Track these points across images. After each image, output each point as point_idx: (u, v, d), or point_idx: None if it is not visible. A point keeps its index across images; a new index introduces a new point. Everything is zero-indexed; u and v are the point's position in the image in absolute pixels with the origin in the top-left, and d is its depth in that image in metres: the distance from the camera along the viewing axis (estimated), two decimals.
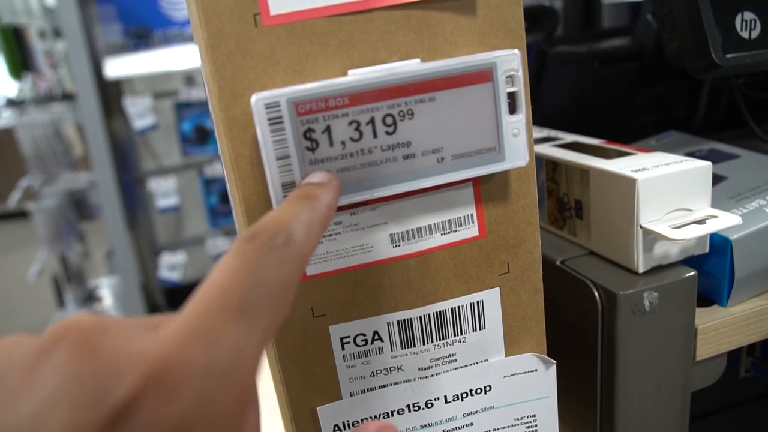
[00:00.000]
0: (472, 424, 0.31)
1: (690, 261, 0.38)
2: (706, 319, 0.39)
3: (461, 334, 0.29)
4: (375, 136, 0.24)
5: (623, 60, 0.61)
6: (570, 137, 0.48)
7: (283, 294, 0.18)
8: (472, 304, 0.29)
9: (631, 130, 0.60)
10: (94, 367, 0.15)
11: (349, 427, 0.29)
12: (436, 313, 0.28)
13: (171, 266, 2.21)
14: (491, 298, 0.29)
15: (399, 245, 0.27)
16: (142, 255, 2.35)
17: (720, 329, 0.39)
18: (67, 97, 2.33)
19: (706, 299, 0.41)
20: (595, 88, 0.62)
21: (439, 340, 0.29)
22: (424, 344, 0.29)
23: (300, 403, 0.29)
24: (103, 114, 2.01)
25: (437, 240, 0.27)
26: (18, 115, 2.10)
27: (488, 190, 0.27)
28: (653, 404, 0.38)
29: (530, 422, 0.32)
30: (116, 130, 2.19)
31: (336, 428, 0.29)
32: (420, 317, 0.28)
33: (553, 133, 0.51)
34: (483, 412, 0.31)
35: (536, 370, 0.31)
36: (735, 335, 0.39)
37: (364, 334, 0.28)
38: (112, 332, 0.16)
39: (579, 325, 0.38)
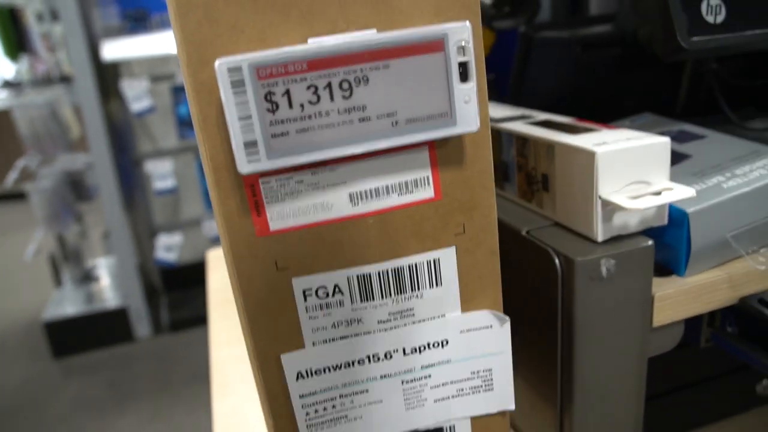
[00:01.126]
0: (429, 376, 0.33)
1: (649, 233, 0.40)
2: (664, 287, 0.41)
3: (418, 290, 0.31)
4: (332, 99, 0.26)
5: (605, 45, 0.63)
6: (543, 116, 0.49)
7: None
8: (428, 262, 0.30)
9: (613, 116, 0.62)
10: None
11: (311, 375, 0.31)
12: (394, 269, 0.30)
13: (168, 247, 2.23)
14: (447, 257, 0.31)
15: (358, 204, 0.29)
16: (139, 236, 2.37)
17: (676, 297, 0.41)
18: (65, 79, 2.34)
19: (664, 270, 0.43)
20: (578, 73, 0.63)
21: (397, 295, 0.31)
22: (382, 298, 0.30)
23: (266, 351, 0.30)
24: (100, 96, 2.02)
25: (394, 200, 0.29)
26: (15, 96, 2.11)
27: (443, 155, 0.29)
28: (611, 369, 0.40)
29: (486, 376, 0.34)
30: (113, 113, 2.20)
31: (299, 375, 0.31)
32: (378, 273, 0.30)
33: (528, 112, 0.52)
34: (440, 365, 0.33)
35: (491, 326, 0.32)
36: (691, 303, 0.41)
37: (325, 287, 0.30)
38: None
39: (541, 292, 0.40)
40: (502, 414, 0.35)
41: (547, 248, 0.39)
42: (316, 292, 0.30)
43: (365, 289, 0.30)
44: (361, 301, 0.30)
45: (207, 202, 2.45)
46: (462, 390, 0.34)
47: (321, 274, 0.30)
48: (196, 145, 2.33)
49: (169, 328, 2.43)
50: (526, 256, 0.41)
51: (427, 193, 0.29)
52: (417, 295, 0.31)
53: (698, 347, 0.61)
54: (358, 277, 0.30)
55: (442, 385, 0.33)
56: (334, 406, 0.32)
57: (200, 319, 2.35)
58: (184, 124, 2.29)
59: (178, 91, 2.23)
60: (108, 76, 2.16)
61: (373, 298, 0.30)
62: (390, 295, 0.31)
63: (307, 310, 0.30)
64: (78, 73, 1.96)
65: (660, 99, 0.64)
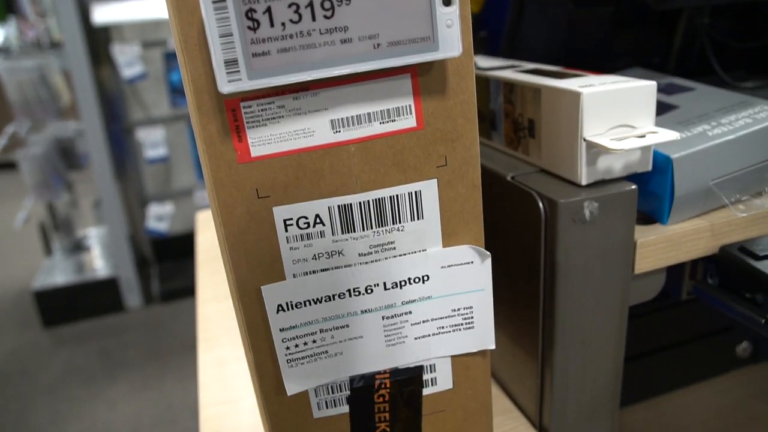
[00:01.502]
0: (410, 312, 0.33)
1: (634, 181, 0.39)
2: (646, 234, 0.41)
3: (400, 222, 0.31)
4: (314, 19, 0.26)
5: (598, 2, 0.62)
6: (532, 66, 0.49)
7: None
8: (410, 194, 0.30)
9: (604, 73, 0.61)
10: None
11: (292, 308, 0.31)
12: (375, 200, 0.30)
13: (159, 217, 2.22)
14: (429, 189, 0.31)
15: (339, 131, 0.29)
16: (130, 205, 2.36)
17: (658, 244, 0.41)
18: (55, 45, 2.31)
19: (648, 218, 0.43)
20: (570, 30, 0.63)
21: (378, 227, 0.31)
22: (363, 230, 0.30)
23: (246, 283, 0.30)
24: (90, 62, 1.99)
25: (376, 128, 0.29)
26: (3, 60, 2.08)
27: (426, 83, 0.29)
28: (593, 314, 0.40)
29: (467, 314, 0.34)
30: (104, 79, 2.17)
31: (280, 308, 0.31)
32: (360, 203, 0.30)
33: (517, 63, 0.52)
34: (421, 302, 0.33)
35: (472, 262, 0.32)
36: (672, 251, 0.41)
37: (306, 217, 0.30)
38: None
39: (525, 236, 0.40)
40: (482, 354, 0.36)
41: (531, 192, 0.39)
42: (297, 222, 0.30)
43: (346, 220, 0.30)
44: (342, 232, 0.30)
45: (199, 171, 2.44)
46: (443, 328, 0.34)
47: (302, 203, 0.29)
48: (188, 114, 2.31)
49: (160, 299, 2.44)
50: (511, 201, 0.41)
51: (408, 122, 0.29)
52: (398, 228, 0.31)
53: (679, 306, 0.62)
54: (339, 207, 0.30)
55: (423, 322, 0.33)
56: (314, 341, 0.32)
57: (191, 290, 2.36)
58: (177, 91, 2.26)
59: (170, 58, 2.20)
60: (99, 41, 2.13)
61: (354, 230, 0.30)
62: (371, 227, 0.31)
63: (288, 241, 0.30)
64: (68, 38, 1.93)
65: (652, 59, 0.63)
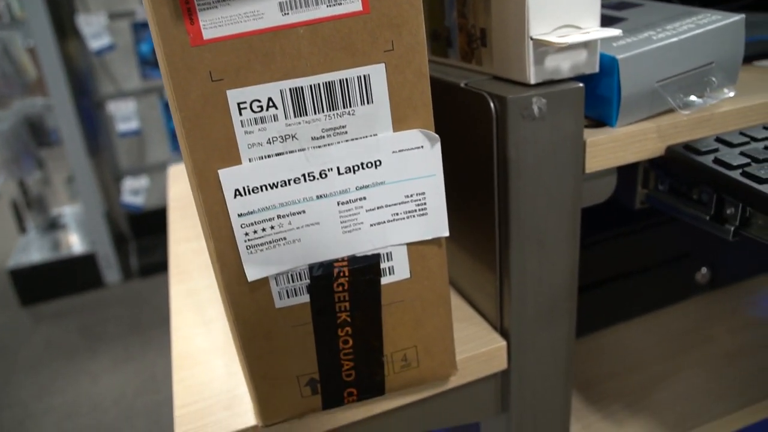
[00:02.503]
0: (365, 198, 0.34)
1: (583, 84, 0.41)
2: (595, 134, 0.42)
3: (350, 106, 0.32)
4: None
5: None
6: None
7: None
8: (359, 77, 0.32)
9: None
10: None
11: (249, 193, 0.32)
12: (326, 83, 0.31)
13: (134, 191, 2.21)
14: (377, 74, 0.32)
15: (288, 13, 0.29)
16: (104, 181, 2.34)
17: (607, 144, 0.42)
18: (16, 21, 2.26)
19: (597, 123, 0.45)
20: None
21: (330, 110, 0.32)
22: (315, 113, 0.32)
23: (204, 168, 0.31)
24: (55, 35, 1.96)
25: (323, 11, 0.30)
26: None
27: None
28: (546, 210, 0.42)
29: (419, 200, 0.35)
30: (71, 53, 2.14)
31: (237, 192, 0.32)
32: (311, 86, 0.31)
33: None
34: (374, 187, 0.34)
35: (422, 146, 0.34)
36: (621, 151, 0.43)
37: (259, 100, 0.31)
38: None
39: (479, 137, 0.41)
40: (438, 244, 0.37)
41: (482, 93, 0.40)
42: (251, 105, 0.31)
43: (298, 103, 0.31)
44: (295, 115, 0.31)
45: (173, 144, 2.42)
46: (397, 214, 0.35)
47: (254, 86, 0.30)
48: (160, 86, 2.29)
49: (139, 274, 2.43)
50: (465, 107, 0.43)
51: (354, 5, 0.30)
52: (349, 112, 0.32)
53: (638, 233, 0.64)
54: (291, 90, 0.31)
55: (377, 208, 0.35)
56: (272, 227, 0.33)
57: None
58: (147, 63, 2.24)
59: (139, 29, 2.18)
60: (63, 14, 2.09)
61: (307, 113, 0.32)
62: (322, 110, 0.32)
63: (242, 125, 0.31)
64: (31, 12, 1.89)
65: None
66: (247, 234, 0.33)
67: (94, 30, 1.94)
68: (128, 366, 1.94)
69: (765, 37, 0.59)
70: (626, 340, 0.72)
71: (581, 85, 0.40)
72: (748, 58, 0.59)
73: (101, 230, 2.28)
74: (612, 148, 0.43)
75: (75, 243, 2.42)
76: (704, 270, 0.76)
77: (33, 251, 2.34)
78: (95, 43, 1.96)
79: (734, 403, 0.60)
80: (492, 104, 0.39)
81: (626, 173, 0.50)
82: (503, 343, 0.45)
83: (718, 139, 0.44)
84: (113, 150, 2.43)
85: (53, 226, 2.49)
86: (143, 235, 2.53)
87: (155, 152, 2.48)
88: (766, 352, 0.67)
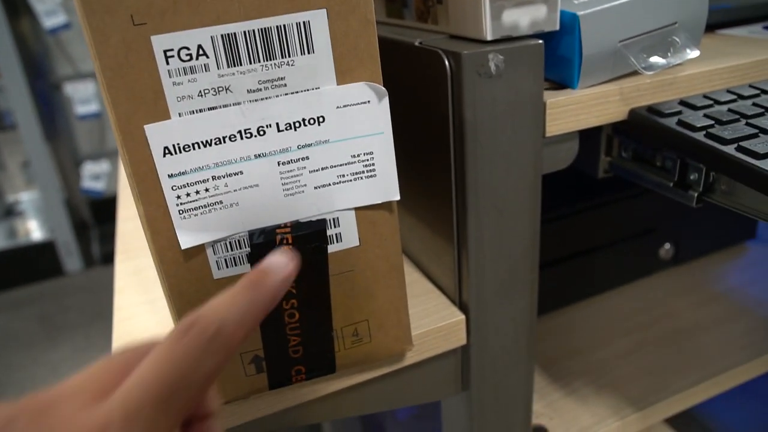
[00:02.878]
0: (307, 158, 0.32)
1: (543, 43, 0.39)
2: (555, 95, 0.41)
3: (289, 56, 0.29)
4: None
5: None
6: None
7: (204, 383, 0.22)
8: (298, 24, 0.29)
9: None
10: None
11: (180, 151, 0.29)
12: (261, 29, 0.28)
13: (94, 175, 2.14)
14: (318, 20, 0.29)
15: None
16: (63, 166, 2.26)
17: (568, 106, 0.41)
18: None
19: (558, 87, 0.43)
20: None
21: (267, 60, 0.29)
22: (250, 63, 0.29)
23: (128, 123, 0.29)
24: (5, 12, 1.88)
25: None
26: None
27: None
28: (505, 176, 0.40)
29: (367, 160, 0.33)
30: (24, 32, 2.06)
31: (166, 151, 0.29)
32: (245, 32, 0.28)
33: None
34: (318, 146, 0.32)
35: (369, 101, 0.31)
36: (583, 114, 0.41)
37: (188, 48, 0.28)
38: (60, 407, 0.20)
39: (433, 98, 0.39)
40: (389, 210, 0.35)
41: (436, 50, 0.38)
42: (179, 53, 0.28)
43: (231, 51, 0.29)
44: (228, 65, 0.29)
45: None
46: (343, 176, 0.33)
47: (182, 31, 0.28)
48: None
49: (101, 261, 2.37)
50: (419, 67, 0.40)
51: None
52: (288, 63, 0.30)
53: (601, 208, 0.63)
54: (222, 36, 0.28)
55: (322, 169, 0.32)
56: (207, 190, 0.31)
57: None
58: None
59: None
60: None
61: (241, 63, 0.29)
62: (258, 59, 0.29)
63: (170, 75, 0.28)
64: None
65: None
66: (179, 197, 0.30)
67: (48, 7, 1.86)
68: (89, 355, 1.89)
69: (728, 6, 0.58)
70: (589, 317, 0.71)
71: (540, 41, 0.38)
72: (711, 26, 0.58)
73: (60, 217, 2.21)
74: (573, 110, 0.41)
75: (33, 230, 2.34)
76: (667, 245, 0.75)
77: None
78: (49, 22, 1.89)
79: (695, 377, 0.60)
80: (447, 62, 0.37)
81: (588, 141, 0.48)
82: (462, 317, 0.44)
83: (682, 102, 0.42)
84: (72, 133, 2.35)
85: (9, 213, 2.41)
86: (105, 222, 2.46)
87: None
88: (727, 325, 0.67)
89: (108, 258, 2.35)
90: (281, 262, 0.26)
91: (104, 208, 2.44)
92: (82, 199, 2.38)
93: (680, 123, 0.39)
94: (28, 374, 1.82)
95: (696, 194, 0.41)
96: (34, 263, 2.27)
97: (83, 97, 2.08)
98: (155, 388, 0.21)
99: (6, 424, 0.19)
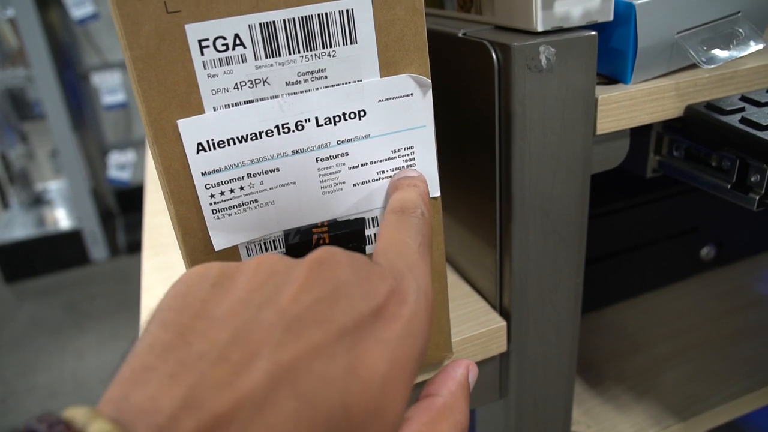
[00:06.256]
0: (347, 153, 0.30)
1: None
2: (607, 91, 0.38)
3: (330, 47, 0.27)
4: None
5: None
6: None
7: (430, 246, 0.26)
8: (341, 12, 0.27)
9: None
10: (361, 275, 0.21)
11: (214, 148, 0.28)
12: (302, 18, 0.27)
13: (120, 165, 2.15)
14: (362, 9, 0.27)
15: None
16: (90, 155, 2.28)
17: (621, 102, 0.38)
18: None
19: (610, 81, 0.40)
20: None
21: (307, 51, 0.27)
22: (290, 54, 0.27)
23: (160, 117, 0.27)
24: (36, 3, 1.89)
25: None
26: None
27: None
28: (552, 175, 0.38)
29: (408, 155, 0.31)
30: (54, 23, 2.07)
31: (200, 147, 0.28)
32: (284, 21, 0.26)
33: None
34: (358, 141, 0.30)
35: (412, 94, 0.29)
36: (636, 111, 0.39)
37: (224, 37, 0.26)
38: (360, 257, 0.22)
39: (479, 92, 0.37)
40: (432, 207, 0.33)
41: (483, 41, 0.36)
42: (214, 43, 0.26)
43: (270, 41, 0.27)
44: (266, 56, 0.27)
45: None
46: (383, 172, 0.31)
47: (218, 20, 0.26)
48: None
49: (126, 250, 2.38)
50: (463, 59, 0.38)
51: None
52: (329, 53, 0.28)
53: (643, 206, 0.60)
54: (261, 25, 0.26)
55: (361, 165, 0.30)
56: (242, 188, 0.29)
57: None
58: None
59: None
60: None
61: (280, 54, 0.27)
62: (298, 50, 0.27)
63: (204, 66, 0.26)
64: None
65: None
66: (212, 196, 0.29)
67: None
68: (114, 344, 1.91)
69: None
70: (627, 319, 0.68)
71: (594, 33, 0.35)
72: None
73: (87, 206, 2.22)
74: (626, 107, 0.38)
75: (61, 219, 2.36)
76: (710, 246, 0.72)
77: (17, 227, 2.29)
78: (78, 12, 1.89)
79: (741, 385, 0.57)
80: (494, 54, 0.35)
81: (637, 138, 0.46)
82: (503, 323, 0.41)
83: (744, 98, 0.39)
84: (99, 123, 2.36)
85: (38, 201, 2.43)
86: (130, 211, 2.47)
87: (142, 126, 2.42)
88: None
89: (133, 247, 2.37)
90: (415, 171, 0.31)
91: (129, 198, 2.45)
92: (108, 188, 2.39)
93: (744, 121, 0.37)
94: (55, 360, 1.84)
95: (758, 197, 0.38)
96: (62, 251, 2.29)
97: (110, 87, 2.09)
98: (410, 244, 0.24)
99: (324, 257, 0.21)
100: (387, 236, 0.25)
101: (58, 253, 2.29)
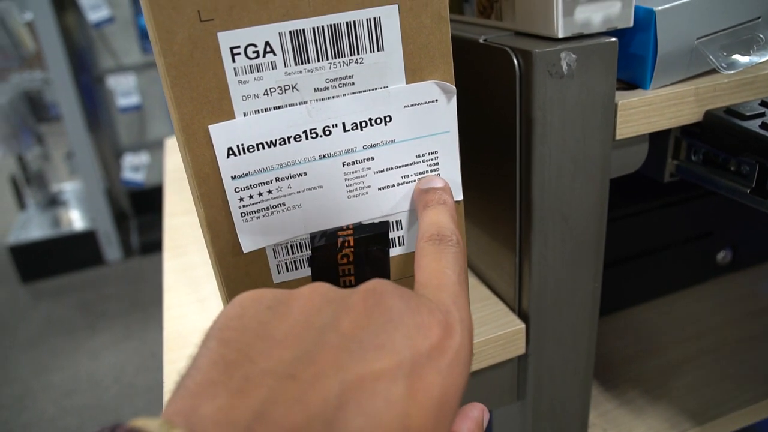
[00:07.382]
0: (372, 158, 0.30)
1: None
2: (627, 96, 0.38)
3: (358, 54, 0.28)
4: None
5: None
6: None
7: (467, 275, 0.27)
8: (368, 20, 0.28)
9: None
10: (411, 306, 0.22)
11: (244, 152, 0.28)
12: (330, 26, 0.27)
13: (134, 167, 2.17)
14: (389, 17, 0.28)
15: None
16: (105, 157, 2.30)
17: (640, 107, 0.38)
18: None
19: (629, 86, 0.40)
20: None
21: (335, 58, 0.28)
22: (318, 61, 0.28)
23: (192, 123, 0.28)
24: (53, 7, 1.91)
25: None
26: None
27: None
28: (571, 180, 0.38)
29: (432, 160, 0.31)
30: (70, 26, 2.09)
31: (230, 152, 0.28)
32: (313, 29, 0.27)
33: None
34: (384, 146, 0.30)
35: (437, 100, 0.30)
36: (656, 116, 0.39)
37: (255, 45, 0.27)
38: (407, 290, 0.23)
39: (500, 97, 0.38)
40: None
41: (504, 47, 0.36)
42: (246, 50, 0.27)
43: (299, 48, 0.27)
44: (296, 63, 0.28)
45: None
46: (407, 177, 0.31)
47: (250, 28, 0.27)
48: None
49: (140, 251, 2.40)
50: (484, 65, 0.39)
51: None
52: (356, 60, 0.28)
53: (659, 210, 0.60)
54: (291, 33, 0.27)
55: (387, 170, 0.31)
56: (270, 192, 0.30)
57: None
58: (147, 37, 2.19)
59: (138, 1, 2.12)
60: None
61: (309, 61, 0.28)
62: (327, 57, 0.28)
63: (236, 73, 0.27)
64: None
65: None
66: (241, 199, 0.29)
67: (93, 2, 1.89)
68: (128, 343, 1.92)
69: None
70: (643, 323, 0.68)
71: (614, 39, 0.36)
72: None
73: (102, 207, 2.24)
74: (645, 112, 0.39)
75: (75, 220, 2.39)
76: (726, 251, 0.72)
77: (33, 228, 2.31)
78: (94, 16, 1.91)
79: (758, 391, 0.57)
80: (515, 60, 0.35)
81: (654, 143, 0.46)
82: (522, 326, 0.42)
83: (764, 103, 0.40)
84: (113, 125, 2.39)
85: (53, 202, 2.46)
86: (144, 213, 2.50)
87: (156, 128, 2.43)
88: None
89: (146, 248, 2.39)
90: (441, 180, 0.31)
91: (143, 199, 2.48)
92: (122, 189, 2.41)
93: (764, 126, 0.37)
94: (70, 359, 1.86)
95: None
96: (76, 252, 2.32)
97: (125, 89, 2.11)
98: (455, 278, 0.25)
99: (374, 290, 0.22)
100: (427, 268, 0.25)
101: (72, 253, 2.31)
